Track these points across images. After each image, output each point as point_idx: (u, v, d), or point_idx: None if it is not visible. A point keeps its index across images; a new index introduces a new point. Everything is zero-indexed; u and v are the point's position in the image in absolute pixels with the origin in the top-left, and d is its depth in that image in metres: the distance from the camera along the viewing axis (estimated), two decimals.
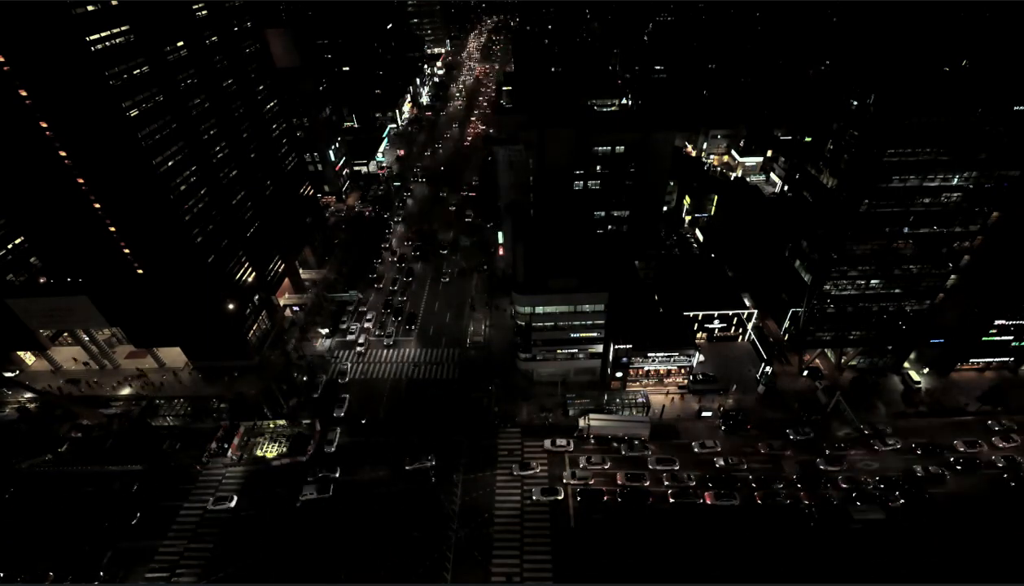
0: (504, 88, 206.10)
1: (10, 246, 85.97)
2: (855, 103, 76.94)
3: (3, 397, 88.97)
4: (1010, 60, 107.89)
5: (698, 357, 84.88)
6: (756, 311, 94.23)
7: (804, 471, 73.73)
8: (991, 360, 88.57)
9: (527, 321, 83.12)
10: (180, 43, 77.22)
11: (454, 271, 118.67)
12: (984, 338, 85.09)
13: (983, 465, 74.20)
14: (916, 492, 70.25)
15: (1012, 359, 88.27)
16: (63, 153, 67.59)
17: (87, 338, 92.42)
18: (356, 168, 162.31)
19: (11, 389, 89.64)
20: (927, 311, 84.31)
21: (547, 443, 77.80)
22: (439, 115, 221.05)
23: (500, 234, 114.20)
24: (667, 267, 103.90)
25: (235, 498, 71.66)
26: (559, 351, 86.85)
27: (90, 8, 61.67)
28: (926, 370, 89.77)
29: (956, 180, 71.54)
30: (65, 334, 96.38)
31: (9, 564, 65.32)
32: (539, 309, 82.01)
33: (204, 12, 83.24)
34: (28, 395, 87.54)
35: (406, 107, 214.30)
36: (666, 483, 72.63)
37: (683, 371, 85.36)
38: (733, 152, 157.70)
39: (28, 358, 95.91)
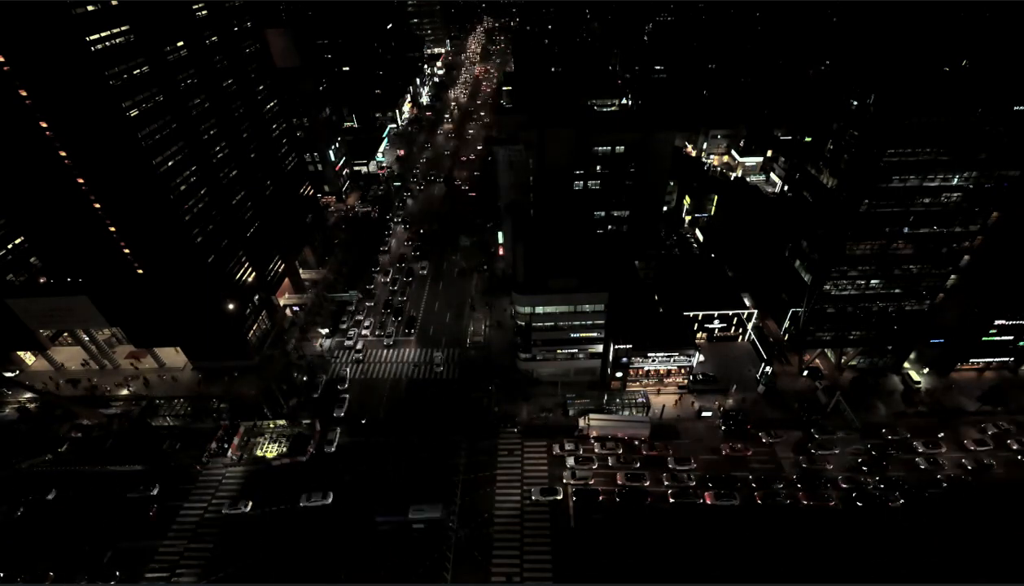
0: (504, 88, 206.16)
1: (10, 246, 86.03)
2: (855, 103, 76.96)
3: (3, 397, 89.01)
4: (1010, 60, 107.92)
5: (698, 357, 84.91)
6: (756, 311, 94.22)
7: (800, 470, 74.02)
8: (991, 360, 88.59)
9: (527, 321, 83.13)
10: (180, 43, 77.25)
11: (454, 271, 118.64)
12: (984, 338, 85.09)
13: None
14: (917, 492, 70.50)
15: (1012, 359, 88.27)
16: (63, 153, 67.63)
17: (87, 338, 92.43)
18: (356, 168, 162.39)
19: (11, 389, 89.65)
20: (927, 311, 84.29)
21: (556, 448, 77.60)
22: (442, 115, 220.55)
23: (500, 234, 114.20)
24: (667, 267, 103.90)
25: (250, 503, 70.62)
26: (559, 351, 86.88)
27: (90, 8, 61.71)
28: (926, 370, 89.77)
29: (956, 180, 71.52)
30: (65, 334, 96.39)
31: (9, 564, 65.43)
32: (539, 309, 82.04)
33: (204, 12, 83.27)
34: (28, 395, 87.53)
35: (406, 107, 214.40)
36: (666, 483, 72.72)
37: (683, 371, 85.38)
38: (733, 152, 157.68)
39: (28, 358, 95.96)
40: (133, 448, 78.80)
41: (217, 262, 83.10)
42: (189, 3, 79.92)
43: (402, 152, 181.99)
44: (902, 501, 69.71)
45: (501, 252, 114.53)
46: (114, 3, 64.80)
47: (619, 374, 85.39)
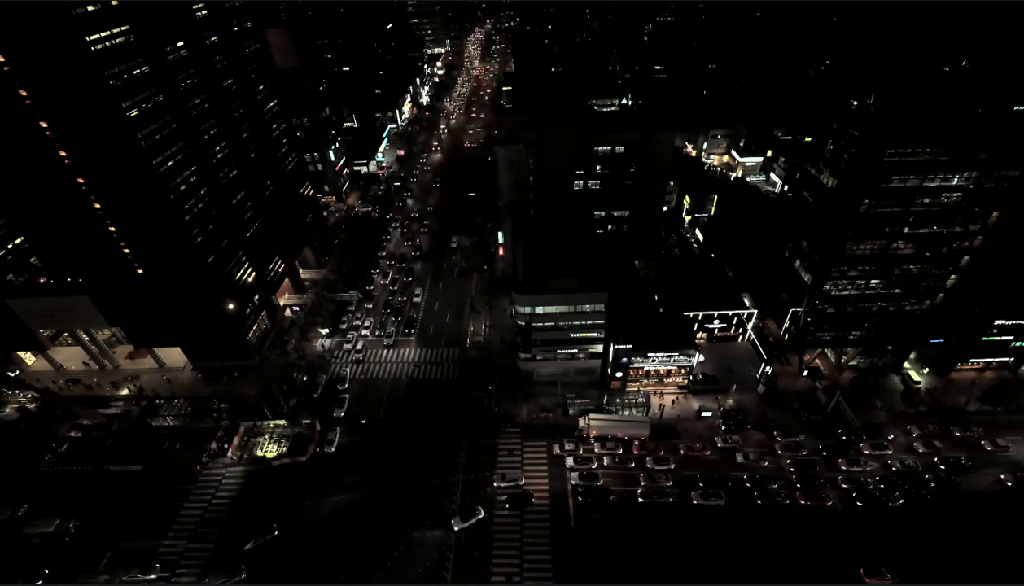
0: (504, 88, 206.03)
1: (10, 246, 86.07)
2: (855, 103, 76.92)
3: (3, 397, 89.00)
4: (1010, 60, 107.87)
5: (698, 357, 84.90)
6: (756, 311, 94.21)
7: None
8: (991, 360, 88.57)
9: (527, 321, 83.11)
10: (180, 43, 77.26)
11: (454, 271, 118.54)
12: (984, 338, 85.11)
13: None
14: (917, 492, 70.47)
15: (1012, 359, 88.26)
16: (63, 153, 67.66)
17: (87, 338, 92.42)
18: (356, 168, 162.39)
19: (11, 389, 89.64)
20: (927, 311, 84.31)
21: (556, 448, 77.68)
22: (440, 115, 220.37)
23: (500, 234, 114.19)
24: (667, 267, 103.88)
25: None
26: (559, 351, 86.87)
27: (90, 8, 61.73)
28: (926, 370, 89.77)
29: (956, 180, 71.54)
30: (65, 334, 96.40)
31: (9, 563, 65.42)
32: (539, 309, 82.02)
33: (204, 12, 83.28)
34: (28, 395, 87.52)
35: (406, 107, 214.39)
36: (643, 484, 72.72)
37: (683, 371, 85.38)
38: (733, 152, 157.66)
39: (28, 358, 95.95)
40: (133, 448, 78.80)
41: (217, 262, 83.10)
42: (189, 3, 79.92)
43: (402, 152, 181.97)
44: (902, 501, 69.72)
45: (501, 252, 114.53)
46: (114, 3, 64.82)
47: (619, 374, 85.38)
